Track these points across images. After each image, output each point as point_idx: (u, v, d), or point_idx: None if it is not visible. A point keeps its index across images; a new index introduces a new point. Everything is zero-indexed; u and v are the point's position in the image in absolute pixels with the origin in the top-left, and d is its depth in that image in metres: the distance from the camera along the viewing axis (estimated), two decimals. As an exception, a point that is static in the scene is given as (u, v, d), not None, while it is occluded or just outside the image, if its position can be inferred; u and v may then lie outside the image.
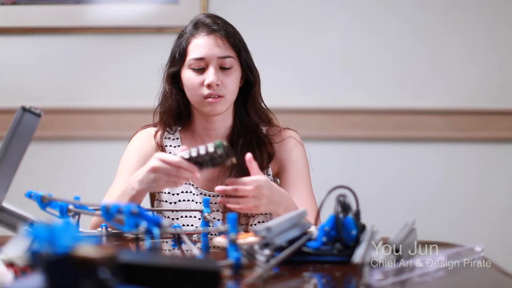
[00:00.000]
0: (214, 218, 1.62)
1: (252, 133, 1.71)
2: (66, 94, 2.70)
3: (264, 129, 1.75)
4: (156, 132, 1.73)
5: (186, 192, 1.69)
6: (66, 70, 2.73)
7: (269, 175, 1.73)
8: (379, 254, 1.14)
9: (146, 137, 1.74)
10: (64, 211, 1.31)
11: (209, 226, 1.48)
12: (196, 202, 1.68)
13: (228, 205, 1.42)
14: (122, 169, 1.69)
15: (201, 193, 1.69)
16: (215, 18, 1.71)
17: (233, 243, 1.11)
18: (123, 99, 2.70)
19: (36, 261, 0.77)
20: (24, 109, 1.22)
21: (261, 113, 1.74)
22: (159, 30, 2.68)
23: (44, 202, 1.33)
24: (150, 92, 2.70)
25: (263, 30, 2.65)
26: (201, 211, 1.48)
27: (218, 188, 1.42)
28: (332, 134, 2.71)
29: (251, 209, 1.45)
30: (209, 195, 1.67)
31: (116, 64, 2.71)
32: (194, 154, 1.36)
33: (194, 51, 1.64)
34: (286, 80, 2.70)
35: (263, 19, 2.69)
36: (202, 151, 1.36)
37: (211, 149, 1.35)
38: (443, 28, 2.72)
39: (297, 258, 1.18)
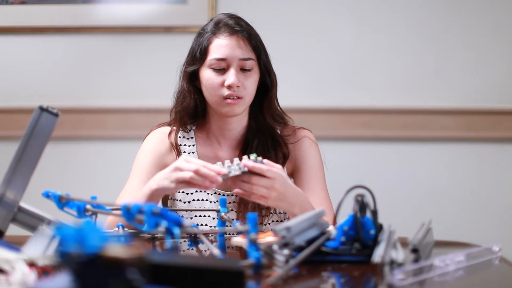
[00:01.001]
0: (228, 217, 1.62)
1: (267, 134, 1.71)
2: (74, 94, 2.70)
3: (278, 128, 1.75)
4: (171, 132, 1.73)
5: (201, 191, 1.69)
6: (74, 69, 2.73)
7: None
8: (399, 253, 1.15)
9: (161, 136, 1.73)
10: (81, 211, 1.30)
11: (226, 226, 1.48)
12: (210, 202, 1.68)
13: (236, 191, 1.41)
14: (136, 168, 1.69)
15: (215, 193, 1.69)
16: (237, 19, 1.70)
17: (253, 243, 1.11)
18: (132, 98, 2.70)
19: (65, 261, 0.77)
20: (41, 109, 1.21)
21: (277, 116, 1.74)
22: (167, 29, 2.68)
23: (62, 202, 1.32)
24: (158, 92, 2.71)
25: (271, 30, 2.64)
26: (218, 211, 1.48)
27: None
28: (341, 134, 2.71)
29: (259, 199, 1.42)
30: (224, 195, 1.68)
31: (124, 63, 2.71)
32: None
33: (215, 51, 1.64)
34: (295, 80, 2.70)
35: (272, 19, 2.69)
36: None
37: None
38: (451, 28, 2.72)
39: (316, 258, 1.18)
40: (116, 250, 0.75)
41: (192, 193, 1.70)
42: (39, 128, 1.22)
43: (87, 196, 1.40)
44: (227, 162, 1.40)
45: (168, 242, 1.05)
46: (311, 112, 2.68)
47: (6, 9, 2.66)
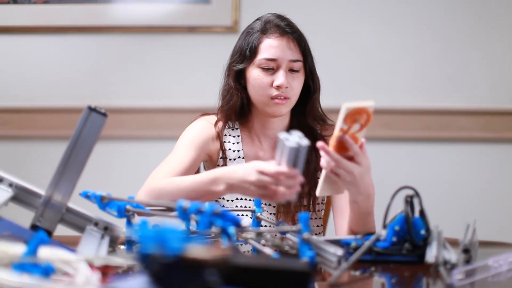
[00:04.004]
0: (266, 211, 1.63)
1: (309, 134, 1.69)
2: (96, 93, 2.70)
3: (317, 127, 1.75)
4: (217, 122, 1.73)
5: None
6: (96, 69, 2.72)
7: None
8: (451, 254, 1.15)
9: (207, 124, 1.73)
10: (122, 211, 1.30)
11: (261, 225, 1.49)
12: (251, 200, 1.69)
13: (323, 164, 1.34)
14: (179, 147, 1.67)
15: None
16: (287, 20, 1.71)
17: (306, 242, 1.11)
18: (154, 98, 2.70)
19: (145, 263, 0.76)
20: (90, 109, 1.21)
21: (318, 118, 1.74)
22: (190, 29, 2.68)
23: (103, 202, 1.32)
24: (180, 92, 2.72)
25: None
26: (253, 211, 1.48)
27: (320, 144, 1.33)
28: (361, 134, 2.70)
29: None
30: None
31: (147, 63, 2.71)
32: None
33: (266, 51, 1.63)
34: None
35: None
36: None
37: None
38: (473, 28, 2.71)
39: (366, 257, 1.18)
40: (199, 251, 0.75)
41: None
42: (88, 129, 1.22)
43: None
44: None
45: (225, 242, 1.05)
46: (331, 113, 2.66)
47: (29, 9, 2.66)
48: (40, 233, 0.96)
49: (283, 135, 1.21)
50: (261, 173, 1.26)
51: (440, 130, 2.70)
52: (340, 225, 1.66)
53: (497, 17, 2.72)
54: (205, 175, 1.41)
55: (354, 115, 1.32)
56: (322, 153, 1.33)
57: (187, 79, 2.71)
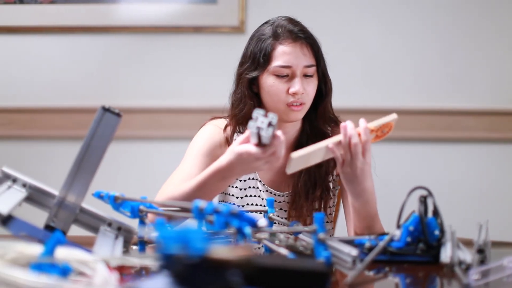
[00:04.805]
0: (278, 216, 1.63)
1: (321, 137, 1.69)
2: (101, 93, 2.70)
3: (329, 129, 1.75)
4: (226, 126, 1.72)
5: (254, 187, 1.71)
6: (103, 69, 2.72)
7: (334, 175, 1.74)
8: (466, 254, 1.15)
9: (216, 129, 1.72)
10: (135, 211, 1.30)
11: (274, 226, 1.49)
12: (262, 199, 1.70)
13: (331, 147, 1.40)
14: (189, 155, 1.67)
15: (267, 191, 1.70)
16: (298, 24, 1.69)
17: (321, 242, 1.11)
18: (160, 98, 2.70)
19: (168, 264, 0.76)
20: (104, 109, 1.21)
21: (330, 120, 1.73)
22: (197, 29, 2.68)
23: (117, 203, 1.32)
24: (186, 92, 2.72)
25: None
26: (266, 212, 1.48)
27: (343, 124, 1.44)
28: (366, 134, 2.70)
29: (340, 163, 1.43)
30: (275, 194, 1.70)
31: (153, 63, 2.71)
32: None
33: (280, 58, 1.61)
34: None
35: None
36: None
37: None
38: (475, 28, 2.72)
39: (381, 257, 1.19)
40: (222, 252, 0.74)
41: (245, 189, 1.72)
42: (102, 129, 1.22)
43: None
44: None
45: (240, 243, 1.05)
46: (336, 113, 2.67)
47: (35, 9, 2.66)
48: (57, 233, 0.96)
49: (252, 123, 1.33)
50: (249, 155, 1.36)
51: (443, 130, 2.71)
52: (350, 228, 1.66)
53: (498, 17, 2.72)
54: (209, 170, 1.45)
55: (385, 126, 1.38)
56: (349, 128, 1.45)
57: (193, 79, 2.71)
